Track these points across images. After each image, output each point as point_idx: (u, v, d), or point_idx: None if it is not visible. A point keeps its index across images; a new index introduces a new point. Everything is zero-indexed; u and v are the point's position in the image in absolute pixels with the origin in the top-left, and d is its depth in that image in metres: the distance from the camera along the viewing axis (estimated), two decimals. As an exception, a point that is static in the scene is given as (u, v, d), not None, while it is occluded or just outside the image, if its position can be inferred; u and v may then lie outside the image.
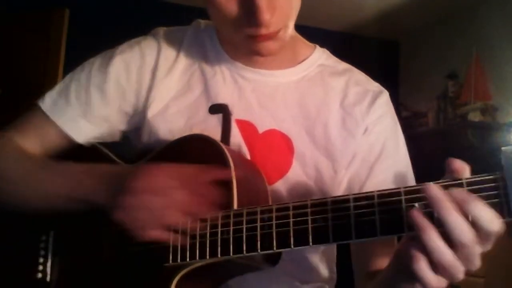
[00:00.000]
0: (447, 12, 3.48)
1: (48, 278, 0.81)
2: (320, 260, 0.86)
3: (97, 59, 0.86)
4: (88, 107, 0.83)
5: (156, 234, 0.65)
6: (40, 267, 0.81)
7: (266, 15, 0.67)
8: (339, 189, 0.83)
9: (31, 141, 0.84)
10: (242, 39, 0.72)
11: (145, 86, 0.83)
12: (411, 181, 0.83)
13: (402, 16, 3.64)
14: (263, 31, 0.69)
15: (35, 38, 3.11)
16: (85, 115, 0.83)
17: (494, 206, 0.52)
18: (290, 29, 0.75)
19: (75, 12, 3.19)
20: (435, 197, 0.51)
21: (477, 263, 0.53)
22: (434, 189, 0.52)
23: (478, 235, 0.52)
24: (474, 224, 0.51)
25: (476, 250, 0.52)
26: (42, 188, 0.77)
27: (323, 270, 0.87)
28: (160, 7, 3.42)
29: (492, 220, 0.51)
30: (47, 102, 0.84)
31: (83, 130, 0.84)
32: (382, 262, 0.77)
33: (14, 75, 3.07)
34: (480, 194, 0.53)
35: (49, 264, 0.81)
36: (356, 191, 0.81)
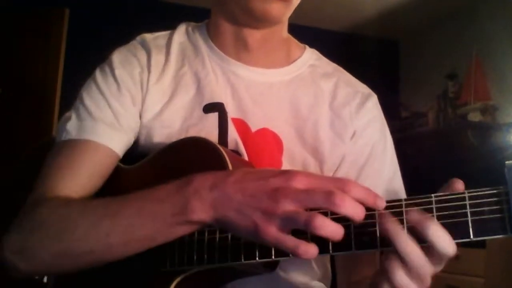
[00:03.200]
0: (447, 12, 3.48)
1: (45, 279, 0.81)
2: (315, 259, 0.86)
3: (97, 75, 0.82)
4: (115, 118, 0.79)
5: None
6: None
7: None
8: None
9: (74, 182, 0.73)
10: None
11: (144, 91, 0.82)
12: (398, 184, 0.84)
13: (402, 16, 3.64)
14: None
15: (35, 38, 3.11)
16: (116, 126, 0.78)
17: (496, 221, 0.52)
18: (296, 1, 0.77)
19: (75, 12, 3.19)
20: (390, 229, 0.53)
21: (428, 281, 0.54)
22: (388, 221, 0.53)
23: (431, 259, 0.53)
24: (430, 248, 0.52)
25: (428, 271, 0.54)
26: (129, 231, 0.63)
27: (318, 268, 0.87)
28: (160, 7, 3.42)
29: (448, 245, 0.52)
30: (73, 131, 0.76)
31: (118, 141, 0.78)
32: (366, 271, 0.77)
33: (14, 75, 3.08)
34: (483, 208, 0.52)
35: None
36: None
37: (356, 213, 0.54)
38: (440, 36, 3.63)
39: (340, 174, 0.83)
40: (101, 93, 0.80)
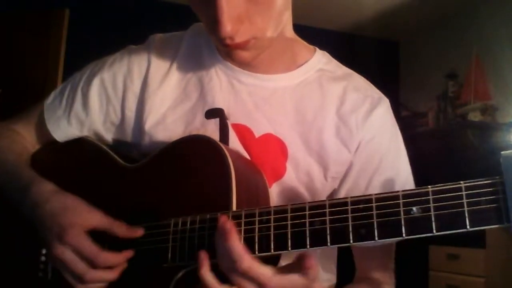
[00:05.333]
0: (447, 12, 3.48)
1: (49, 277, 0.81)
2: (320, 260, 0.86)
3: (92, 64, 0.89)
4: (70, 108, 0.86)
5: None
6: (42, 266, 0.81)
7: (226, 27, 0.66)
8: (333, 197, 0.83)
9: (31, 134, 0.91)
10: (217, 43, 0.74)
11: (134, 97, 0.84)
12: (411, 186, 0.83)
13: (402, 16, 3.64)
14: (228, 41, 0.70)
15: (35, 38, 3.11)
16: (67, 116, 0.86)
17: (492, 211, 0.52)
18: (268, 38, 0.73)
19: (75, 12, 3.19)
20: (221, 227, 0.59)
21: None
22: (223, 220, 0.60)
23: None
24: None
25: None
26: None
27: (323, 270, 0.87)
28: (160, 7, 3.42)
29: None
30: (49, 99, 0.89)
31: (63, 130, 0.87)
32: (368, 270, 0.83)
33: (14, 75, 3.07)
34: (479, 199, 0.53)
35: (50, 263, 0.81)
36: None
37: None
38: (440, 36, 3.63)
39: (349, 183, 0.82)
40: (79, 81, 0.87)
